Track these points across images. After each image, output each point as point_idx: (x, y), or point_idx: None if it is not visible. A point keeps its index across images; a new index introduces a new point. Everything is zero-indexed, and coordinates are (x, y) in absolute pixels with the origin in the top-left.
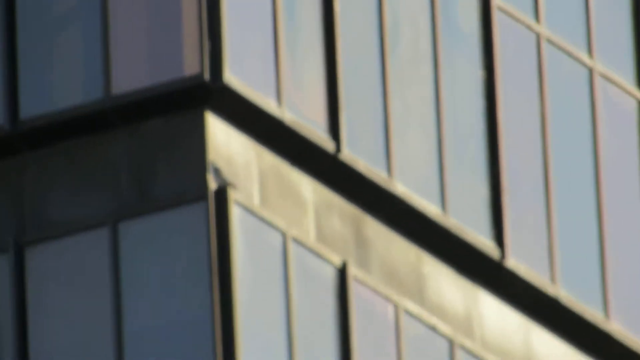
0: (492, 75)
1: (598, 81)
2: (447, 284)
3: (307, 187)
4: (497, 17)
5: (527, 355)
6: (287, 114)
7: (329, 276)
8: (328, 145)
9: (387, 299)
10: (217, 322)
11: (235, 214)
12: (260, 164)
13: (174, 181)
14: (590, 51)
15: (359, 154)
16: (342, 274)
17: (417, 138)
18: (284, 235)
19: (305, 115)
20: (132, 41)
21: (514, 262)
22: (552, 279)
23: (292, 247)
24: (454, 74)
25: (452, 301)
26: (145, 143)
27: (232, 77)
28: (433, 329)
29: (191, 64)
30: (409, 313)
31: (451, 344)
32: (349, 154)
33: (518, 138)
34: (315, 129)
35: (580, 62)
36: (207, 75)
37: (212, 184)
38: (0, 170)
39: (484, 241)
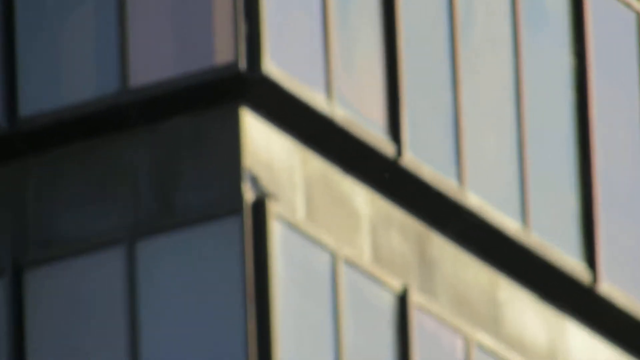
0: (583, 63)
1: None
2: (527, 313)
3: (361, 198)
4: None
5: None
6: (338, 111)
7: (387, 304)
8: (387, 148)
9: (456, 330)
10: (252, 358)
11: (276, 230)
12: (306, 171)
13: (202, 191)
14: None
15: (423, 158)
16: (402, 301)
17: (493, 139)
18: (333, 256)
19: (359, 113)
20: (153, 24)
21: (607, 287)
22: None
23: (343, 270)
24: (538, 62)
25: (534, 333)
26: (169, 145)
27: (272, 66)
28: None
29: (224, 51)
30: (482, 347)
31: None
32: (412, 159)
33: (614, 139)
34: (371, 129)
35: None
36: (242, 64)
37: (249, 195)
38: None
39: (572, 262)
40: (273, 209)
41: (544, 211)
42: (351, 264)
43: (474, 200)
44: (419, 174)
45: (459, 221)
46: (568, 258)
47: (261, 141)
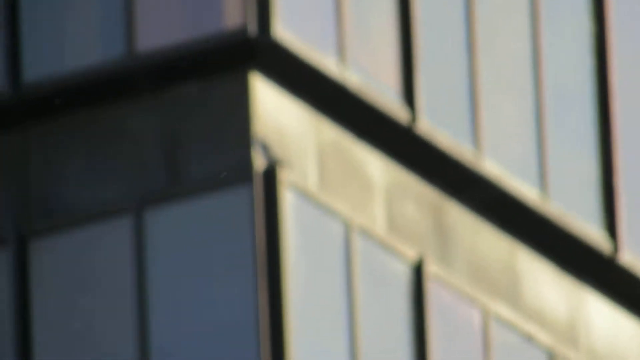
0: (602, 29)
1: None
2: (546, 284)
3: (375, 166)
4: None
5: None
6: (351, 77)
7: (402, 274)
8: (401, 114)
9: (473, 302)
10: (263, 330)
11: (288, 199)
12: (319, 138)
13: (212, 159)
14: None
15: (439, 125)
16: (418, 271)
17: (510, 106)
18: (347, 225)
19: (373, 78)
20: None
21: (629, 257)
22: None
23: (356, 239)
24: (556, 27)
25: (553, 305)
26: (177, 112)
27: (283, 30)
28: (529, 338)
29: (233, 15)
30: (500, 319)
31: (551, 356)
32: (427, 125)
33: (635, 105)
34: (385, 95)
35: None
36: (252, 29)
37: (260, 162)
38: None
39: (592, 232)
40: (284, 177)
41: (564, 179)
42: (365, 233)
43: (492, 168)
44: (435, 141)
45: (476, 190)
46: (588, 227)
47: (272, 108)
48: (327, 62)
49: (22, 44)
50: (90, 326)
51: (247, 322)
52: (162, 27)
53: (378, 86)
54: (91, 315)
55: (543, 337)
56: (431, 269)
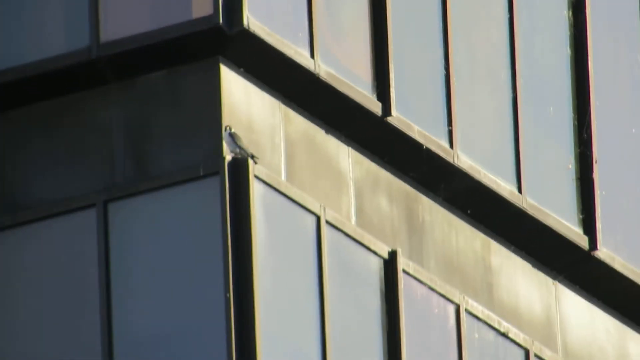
0: (580, 16)
1: None
2: (521, 280)
3: (346, 158)
4: None
5: None
6: (322, 67)
7: (374, 269)
8: (374, 106)
9: (447, 297)
10: (232, 327)
11: (257, 192)
12: (288, 130)
13: (179, 151)
14: None
15: (412, 117)
16: (390, 266)
17: (485, 98)
18: (317, 218)
19: (345, 68)
20: None
21: (605, 253)
22: None
23: (327, 233)
24: (533, 15)
25: (528, 301)
26: (144, 103)
27: (252, 19)
28: (504, 335)
29: (202, 4)
30: (474, 315)
31: (526, 354)
32: (399, 118)
33: (613, 97)
34: (357, 86)
35: None
36: (221, 18)
37: (227, 155)
38: None
39: (569, 226)
40: (253, 169)
41: (539, 173)
42: (336, 227)
43: (465, 161)
44: (408, 133)
45: (450, 183)
46: (564, 222)
47: (241, 98)
48: (297, 52)
49: None
50: (55, 322)
51: (216, 317)
52: (129, 16)
53: (350, 77)
54: (56, 310)
55: (518, 334)
56: (403, 263)
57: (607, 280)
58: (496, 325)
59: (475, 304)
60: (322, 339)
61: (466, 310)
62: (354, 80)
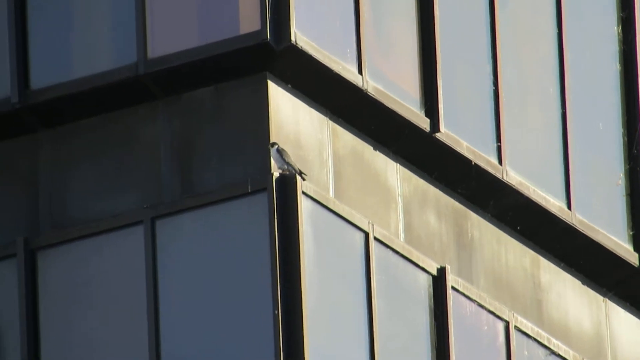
0: (630, 32)
1: None
2: (571, 296)
3: (394, 174)
4: None
5: None
6: (370, 83)
7: (423, 286)
8: (422, 122)
9: (496, 314)
10: (280, 344)
11: (304, 208)
12: (336, 146)
13: (226, 167)
14: None
15: (460, 133)
16: (438, 282)
17: (534, 113)
18: (365, 235)
19: (393, 85)
20: None
21: None
22: None
23: (375, 250)
24: (582, 31)
25: (578, 317)
26: (191, 119)
27: (300, 35)
28: (554, 352)
29: (249, 19)
30: (523, 332)
31: None
32: (448, 134)
33: None
34: (405, 102)
35: None
36: (269, 33)
37: (275, 171)
38: (7, 154)
39: (618, 243)
40: (301, 186)
41: (589, 189)
42: (384, 244)
43: (515, 177)
44: (456, 150)
45: (499, 199)
46: (614, 238)
47: (288, 114)
48: (345, 68)
49: (32, 51)
50: (101, 338)
51: (264, 334)
52: (176, 32)
53: (398, 93)
54: (102, 326)
55: (568, 351)
56: (452, 280)
57: None
58: (546, 342)
59: (524, 321)
60: (371, 356)
61: (515, 327)
62: (402, 96)
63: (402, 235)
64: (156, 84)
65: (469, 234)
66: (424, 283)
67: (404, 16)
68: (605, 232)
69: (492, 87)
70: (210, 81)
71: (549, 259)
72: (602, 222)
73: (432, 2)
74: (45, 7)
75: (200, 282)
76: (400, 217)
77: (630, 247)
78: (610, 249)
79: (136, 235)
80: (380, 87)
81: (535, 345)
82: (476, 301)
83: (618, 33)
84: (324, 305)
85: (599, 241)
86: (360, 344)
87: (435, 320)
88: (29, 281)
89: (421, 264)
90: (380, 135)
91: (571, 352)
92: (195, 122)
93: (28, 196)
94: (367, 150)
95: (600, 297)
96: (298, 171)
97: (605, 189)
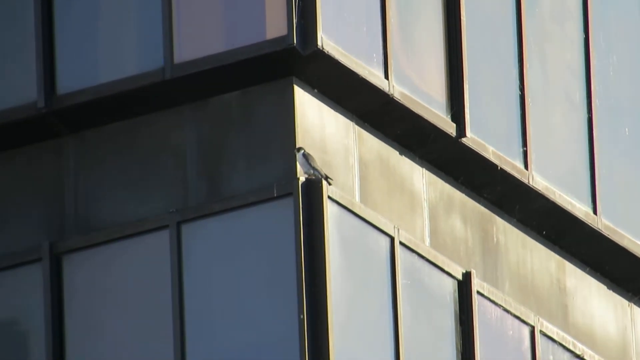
0: None
1: None
2: (597, 301)
3: (420, 179)
4: None
5: None
6: (396, 88)
7: (448, 290)
8: (448, 127)
9: (521, 319)
10: (306, 349)
11: (330, 213)
12: (362, 150)
13: (252, 172)
14: None
15: (486, 138)
16: (464, 287)
17: (560, 118)
18: (391, 240)
19: (419, 89)
20: None
21: None
22: None
23: (401, 255)
24: (608, 36)
25: (603, 322)
26: (217, 123)
27: (326, 40)
28: (579, 357)
29: (276, 24)
30: (549, 337)
31: None
32: (474, 139)
33: None
34: (431, 107)
35: None
36: (295, 39)
37: (301, 176)
38: (33, 158)
39: None
40: (327, 190)
41: (615, 194)
42: (410, 248)
43: (540, 182)
44: (482, 155)
45: (525, 204)
46: (639, 243)
47: (314, 119)
48: (371, 73)
49: (58, 55)
50: (127, 343)
51: (289, 338)
52: (202, 37)
53: (424, 98)
54: (127, 331)
55: (594, 356)
56: (478, 285)
57: None
58: (571, 347)
59: (550, 326)
60: None
61: (541, 332)
62: (428, 101)
63: (427, 240)
64: (183, 89)
65: (495, 239)
66: (450, 288)
67: (430, 21)
68: (630, 237)
69: (518, 92)
70: (237, 86)
71: (574, 264)
72: (628, 226)
73: (459, 6)
74: (72, 12)
75: (226, 286)
76: (426, 221)
77: None
78: (636, 254)
79: (162, 240)
80: (406, 91)
81: (561, 350)
82: (501, 306)
83: None
84: (349, 310)
85: (624, 246)
86: (386, 348)
87: (460, 324)
88: (54, 286)
89: (446, 269)
90: (406, 140)
91: (596, 356)
92: (222, 127)
93: (54, 201)
94: (393, 155)
95: (625, 302)
96: (324, 176)
97: (631, 194)
